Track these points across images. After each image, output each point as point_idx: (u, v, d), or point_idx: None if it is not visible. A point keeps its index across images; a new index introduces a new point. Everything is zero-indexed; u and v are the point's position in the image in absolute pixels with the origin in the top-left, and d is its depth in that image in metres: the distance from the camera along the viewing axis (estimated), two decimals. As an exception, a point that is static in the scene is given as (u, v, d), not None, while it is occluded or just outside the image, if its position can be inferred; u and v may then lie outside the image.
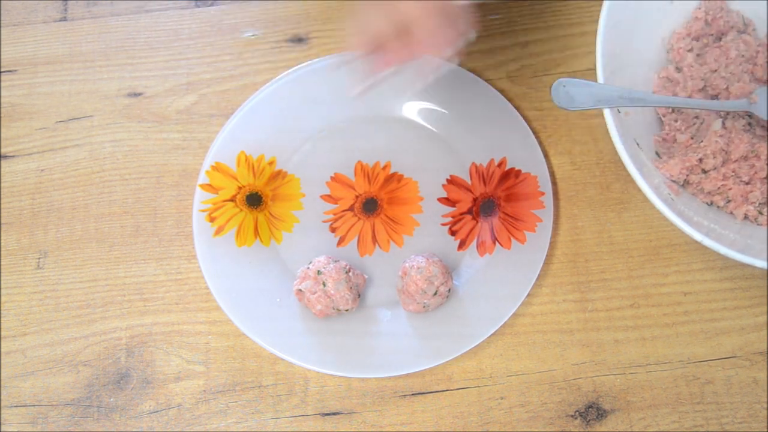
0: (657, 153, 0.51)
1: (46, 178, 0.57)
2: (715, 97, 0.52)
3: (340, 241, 0.54)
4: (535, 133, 0.56)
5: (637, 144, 0.49)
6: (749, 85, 0.51)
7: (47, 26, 0.63)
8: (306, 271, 0.50)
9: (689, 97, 0.52)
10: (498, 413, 0.49)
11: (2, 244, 0.55)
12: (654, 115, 0.53)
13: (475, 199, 0.54)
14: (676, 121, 0.52)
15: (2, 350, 0.52)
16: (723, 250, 0.43)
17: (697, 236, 0.44)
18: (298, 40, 0.62)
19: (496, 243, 0.53)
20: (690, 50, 0.53)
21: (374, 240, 0.54)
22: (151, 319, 0.52)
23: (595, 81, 0.47)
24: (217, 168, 0.55)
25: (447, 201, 0.55)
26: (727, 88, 0.52)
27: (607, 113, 0.46)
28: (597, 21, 0.48)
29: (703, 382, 0.50)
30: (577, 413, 0.49)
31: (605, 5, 0.48)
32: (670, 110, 0.53)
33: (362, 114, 0.58)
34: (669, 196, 0.48)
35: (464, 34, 0.43)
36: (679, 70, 0.53)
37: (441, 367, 0.50)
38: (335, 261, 0.50)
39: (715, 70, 0.52)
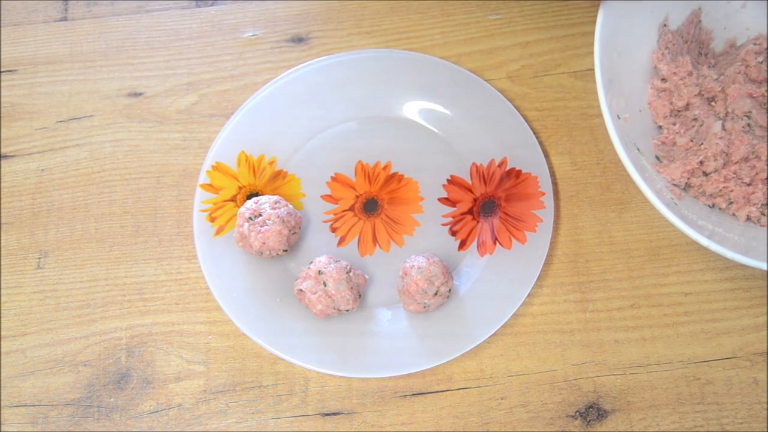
0: (657, 157, 0.51)
1: (46, 178, 0.57)
2: (712, 99, 0.52)
3: (341, 241, 0.54)
4: (535, 133, 0.56)
5: (638, 149, 0.49)
6: (745, 86, 0.51)
7: (47, 26, 0.63)
8: (306, 271, 0.50)
9: (687, 103, 0.52)
10: (498, 413, 0.49)
11: (2, 244, 0.55)
12: (652, 120, 0.53)
13: (475, 199, 0.54)
14: (674, 124, 0.52)
15: (2, 350, 0.52)
16: (729, 254, 0.43)
17: (704, 241, 0.44)
18: (298, 40, 0.62)
19: (497, 243, 0.53)
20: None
21: (375, 240, 0.54)
22: (151, 319, 0.52)
23: (595, 81, 0.47)
24: (217, 168, 0.55)
25: (447, 201, 0.55)
26: (722, 90, 0.52)
27: (606, 118, 0.46)
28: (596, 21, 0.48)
29: (704, 382, 0.50)
30: (577, 413, 0.49)
31: (599, 19, 0.48)
32: (667, 115, 0.53)
33: (362, 114, 0.58)
34: (672, 201, 0.48)
35: None
36: (665, 80, 0.53)
37: (441, 367, 0.50)
38: (336, 261, 0.50)
39: (706, 76, 0.52)
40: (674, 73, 0.52)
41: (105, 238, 0.55)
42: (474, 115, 0.57)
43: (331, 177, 0.56)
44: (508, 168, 0.54)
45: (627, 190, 0.55)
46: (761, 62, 0.52)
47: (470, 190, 0.55)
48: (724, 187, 0.49)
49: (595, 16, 0.49)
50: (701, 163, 0.50)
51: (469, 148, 0.56)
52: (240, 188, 0.55)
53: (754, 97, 0.51)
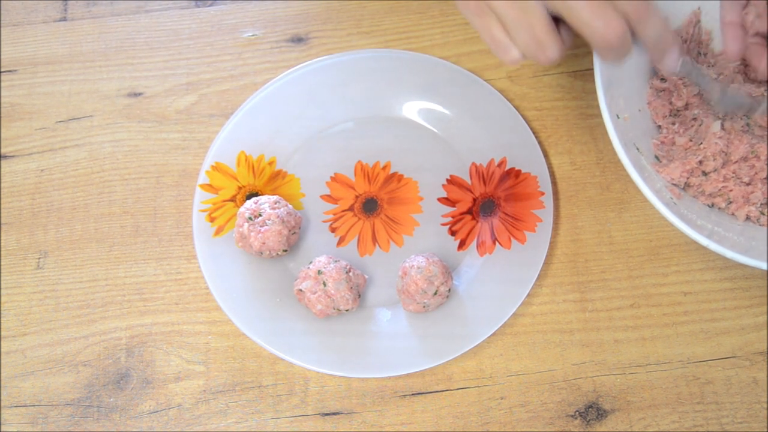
0: (656, 157, 0.51)
1: (46, 178, 0.57)
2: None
3: (340, 241, 0.54)
4: (535, 133, 0.56)
5: (637, 149, 0.49)
6: (744, 86, 0.51)
7: (47, 26, 0.63)
8: (306, 271, 0.50)
9: (686, 103, 0.52)
10: (498, 413, 0.49)
11: (2, 244, 0.55)
12: (651, 120, 0.53)
13: (475, 199, 0.54)
14: (673, 124, 0.52)
15: (2, 350, 0.52)
16: (729, 254, 0.43)
17: (703, 241, 0.44)
18: (298, 40, 0.62)
19: (496, 243, 0.53)
20: None
21: (374, 240, 0.54)
22: (151, 319, 0.52)
23: (595, 81, 0.47)
24: (217, 168, 0.55)
25: (447, 201, 0.55)
26: (722, 89, 0.52)
27: (606, 118, 0.46)
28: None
29: (703, 382, 0.50)
30: (577, 413, 0.49)
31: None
32: (667, 115, 0.53)
33: (362, 114, 0.58)
34: (671, 200, 0.48)
35: None
36: (664, 80, 0.53)
37: (441, 367, 0.50)
38: (336, 261, 0.50)
39: (705, 75, 0.52)
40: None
41: (105, 238, 0.55)
42: (473, 115, 0.57)
43: (331, 177, 0.56)
44: (507, 168, 0.54)
45: (626, 190, 0.55)
46: (760, 62, 0.52)
47: (470, 190, 0.55)
48: (723, 186, 0.49)
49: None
50: (700, 162, 0.50)
51: (468, 147, 0.56)
52: (239, 188, 0.55)
53: (753, 97, 0.51)
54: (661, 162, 0.51)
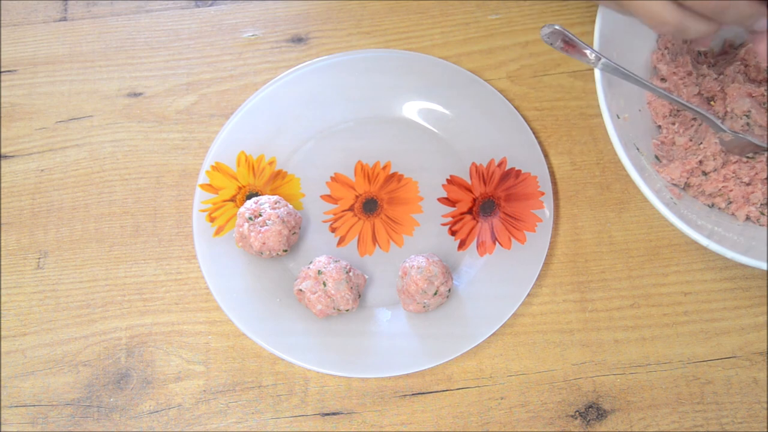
0: (656, 156, 0.51)
1: (46, 178, 0.57)
2: (711, 99, 0.52)
3: (340, 241, 0.54)
4: (535, 133, 0.56)
5: (637, 149, 0.49)
6: (745, 85, 0.51)
7: (47, 26, 0.63)
8: (306, 271, 0.50)
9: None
10: (498, 413, 0.49)
11: (2, 244, 0.55)
12: (651, 120, 0.53)
13: (475, 199, 0.54)
14: (673, 124, 0.52)
15: (2, 350, 0.52)
16: (729, 254, 0.43)
17: (703, 241, 0.44)
18: (298, 40, 0.62)
19: (496, 243, 0.53)
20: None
21: (374, 240, 0.54)
22: (151, 319, 0.52)
23: (595, 81, 0.47)
24: (217, 168, 0.55)
25: (447, 201, 0.55)
26: (722, 89, 0.52)
27: (606, 118, 0.46)
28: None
29: (703, 382, 0.50)
30: (577, 413, 0.49)
31: (598, 19, 0.48)
32: (667, 115, 0.53)
33: (362, 114, 0.58)
34: (671, 200, 0.48)
35: None
36: (665, 80, 0.53)
37: (441, 367, 0.50)
38: (336, 261, 0.50)
39: (705, 75, 0.52)
40: (674, 72, 0.52)
41: (105, 238, 0.55)
42: (474, 115, 0.57)
43: (331, 177, 0.56)
44: (507, 168, 0.55)
45: (626, 190, 0.55)
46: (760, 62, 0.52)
47: (470, 190, 0.55)
48: (723, 186, 0.49)
49: (595, 15, 0.49)
50: (700, 162, 0.50)
51: (468, 147, 0.56)
52: (240, 188, 0.55)
53: (753, 97, 0.51)
54: (661, 162, 0.51)
